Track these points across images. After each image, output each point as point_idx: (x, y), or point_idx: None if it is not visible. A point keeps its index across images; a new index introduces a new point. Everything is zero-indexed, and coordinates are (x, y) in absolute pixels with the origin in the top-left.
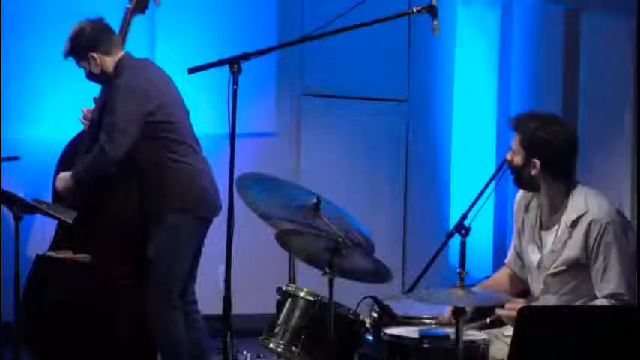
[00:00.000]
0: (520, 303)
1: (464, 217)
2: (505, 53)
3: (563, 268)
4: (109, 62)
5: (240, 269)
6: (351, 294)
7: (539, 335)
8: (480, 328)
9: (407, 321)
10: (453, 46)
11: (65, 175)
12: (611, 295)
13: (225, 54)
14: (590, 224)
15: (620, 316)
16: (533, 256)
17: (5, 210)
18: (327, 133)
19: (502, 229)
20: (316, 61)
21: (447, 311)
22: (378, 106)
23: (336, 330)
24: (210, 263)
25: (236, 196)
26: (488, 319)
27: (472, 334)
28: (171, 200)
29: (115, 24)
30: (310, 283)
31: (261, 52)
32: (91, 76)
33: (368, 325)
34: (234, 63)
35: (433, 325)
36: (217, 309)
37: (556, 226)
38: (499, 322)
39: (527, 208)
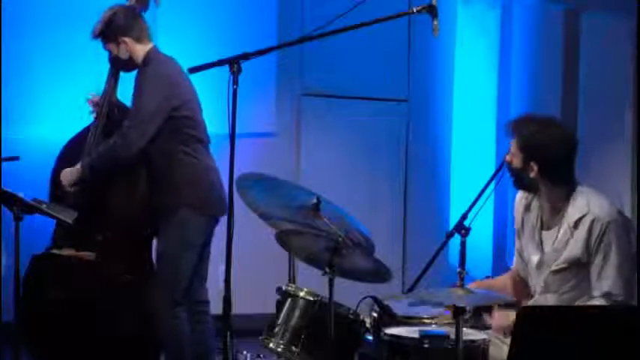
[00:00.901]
0: (507, 315)
1: (464, 217)
2: (505, 53)
3: (564, 266)
4: (139, 50)
5: (240, 269)
6: (351, 294)
7: (539, 335)
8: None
9: (407, 321)
10: (453, 46)
11: (71, 169)
12: (606, 294)
13: (225, 54)
14: (592, 223)
15: (619, 316)
16: (533, 256)
17: (5, 210)
18: (327, 133)
19: (502, 229)
20: (316, 61)
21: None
22: (378, 106)
23: (336, 330)
24: (210, 263)
25: (236, 196)
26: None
27: (472, 333)
28: (182, 196)
29: None
30: (310, 283)
31: (261, 52)
32: (115, 60)
33: (368, 325)
34: (234, 63)
35: (433, 325)
36: (217, 309)
37: (557, 227)
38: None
39: (528, 208)
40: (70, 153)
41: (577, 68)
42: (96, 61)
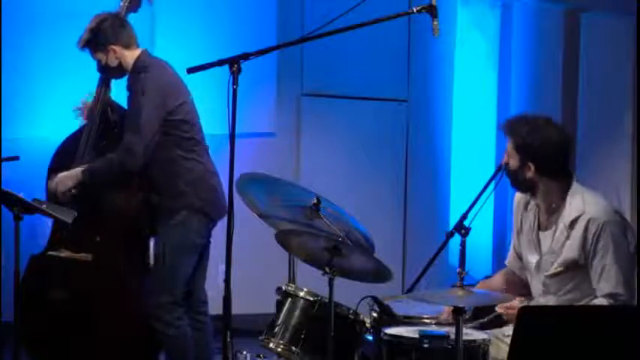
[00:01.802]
0: (517, 303)
1: (464, 217)
2: (505, 53)
3: (561, 269)
4: (128, 56)
5: (240, 269)
6: (351, 294)
7: (539, 335)
8: (482, 328)
9: (407, 321)
10: (453, 46)
11: (68, 175)
12: (609, 295)
13: (225, 54)
14: (587, 223)
15: (620, 316)
16: (532, 257)
17: (5, 210)
18: (327, 133)
19: (502, 229)
20: (316, 61)
21: (444, 310)
22: (378, 106)
23: (336, 330)
24: (210, 263)
25: (236, 196)
26: (485, 318)
27: (472, 334)
28: (184, 198)
29: None
30: (310, 283)
31: (261, 52)
32: (104, 69)
33: (368, 325)
34: (234, 63)
35: (433, 325)
36: (217, 309)
37: (554, 227)
38: (497, 322)
39: (526, 207)
40: (61, 158)
41: (577, 68)
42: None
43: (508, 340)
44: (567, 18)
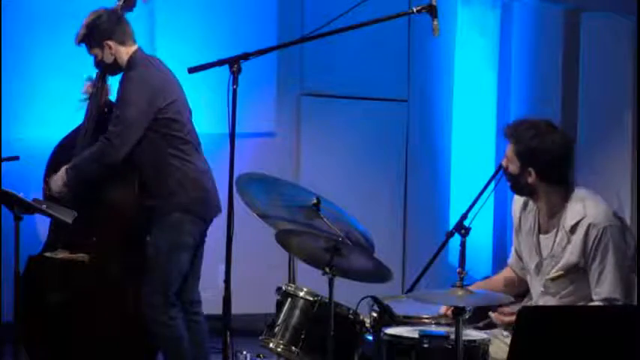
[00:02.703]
0: (508, 309)
1: (464, 217)
2: (505, 53)
3: (562, 272)
4: (123, 53)
5: (240, 269)
6: (351, 294)
7: (539, 335)
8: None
9: (407, 321)
10: (453, 46)
11: (57, 175)
12: (606, 300)
13: (225, 54)
14: (588, 228)
15: (620, 316)
16: (531, 259)
17: (5, 210)
18: (327, 133)
19: (502, 229)
20: (316, 61)
21: (441, 308)
22: (378, 106)
23: (336, 330)
24: (210, 263)
25: (236, 196)
26: (481, 323)
27: (472, 334)
28: (174, 198)
29: None
30: (310, 283)
31: (261, 52)
32: (100, 64)
33: (368, 325)
34: (234, 63)
35: (433, 325)
36: (217, 309)
37: (554, 230)
38: (492, 326)
39: (525, 208)
40: (59, 158)
41: (577, 68)
42: None
43: (508, 340)
44: (567, 18)
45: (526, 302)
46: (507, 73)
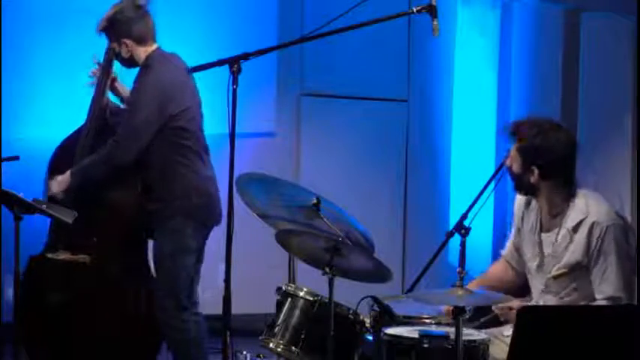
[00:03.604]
0: (515, 304)
1: (464, 217)
2: (505, 53)
3: (564, 271)
4: (141, 52)
5: (240, 269)
6: (351, 294)
7: (539, 335)
8: (478, 328)
9: (407, 321)
10: (452, 46)
11: (62, 176)
12: (609, 299)
13: (225, 54)
14: (591, 227)
15: (620, 316)
16: (533, 257)
17: (5, 210)
18: (327, 133)
19: (502, 229)
20: (316, 61)
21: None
22: (378, 106)
23: (336, 330)
24: (210, 263)
25: (236, 196)
26: (482, 319)
27: (472, 333)
28: (177, 203)
29: None
30: (310, 283)
31: (261, 52)
32: (117, 56)
33: (368, 325)
34: (234, 63)
35: (433, 325)
36: (217, 309)
37: (556, 229)
38: (495, 323)
39: (527, 206)
40: (61, 157)
41: (577, 68)
42: (96, 62)
43: (508, 340)
44: (567, 18)
45: (527, 301)
46: (507, 73)
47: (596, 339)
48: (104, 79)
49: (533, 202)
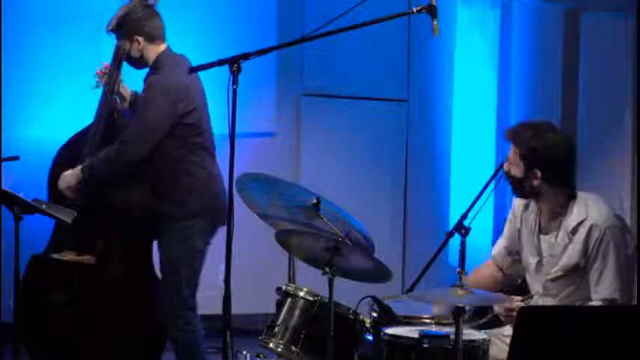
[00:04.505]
0: (516, 305)
1: (464, 217)
2: (505, 53)
3: (561, 273)
4: (151, 51)
5: (240, 269)
6: (351, 294)
7: (539, 335)
8: (477, 328)
9: (407, 321)
10: (452, 46)
11: (71, 172)
12: (605, 301)
13: (225, 54)
14: (590, 229)
15: (619, 316)
16: (532, 258)
17: (5, 210)
18: (327, 133)
19: (502, 229)
20: (316, 61)
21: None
22: (378, 106)
23: (336, 330)
24: (210, 263)
25: (236, 195)
26: (482, 320)
27: (472, 333)
28: (185, 204)
29: None
30: (310, 283)
31: (261, 52)
32: (126, 57)
33: (368, 325)
34: (234, 63)
35: (433, 325)
36: (217, 309)
37: (555, 232)
38: (496, 322)
39: (526, 208)
40: (67, 154)
41: (577, 68)
42: (96, 61)
43: (508, 340)
44: (567, 18)
45: (528, 301)
46: (507, 73)
47: (596, 339)
48: (113, 78)
49: (532, 204)
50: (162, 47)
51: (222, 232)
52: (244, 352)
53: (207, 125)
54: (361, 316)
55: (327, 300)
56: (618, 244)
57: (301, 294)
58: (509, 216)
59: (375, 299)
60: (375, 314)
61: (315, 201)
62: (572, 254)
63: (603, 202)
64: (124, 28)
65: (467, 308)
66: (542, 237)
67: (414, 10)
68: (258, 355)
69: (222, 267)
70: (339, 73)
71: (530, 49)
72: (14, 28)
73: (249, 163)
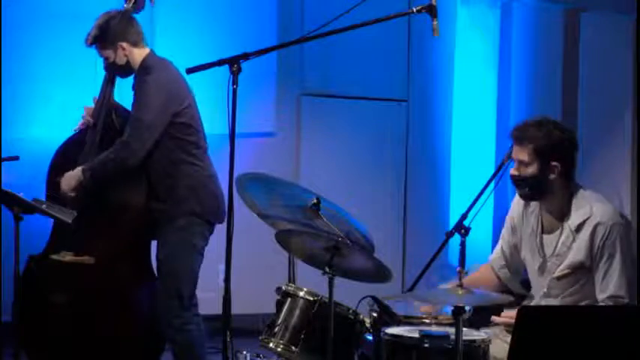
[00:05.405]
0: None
1: (464, 217)
2: (505, 53)
3: (568, 271)
4: (137, 54)
5: (240, 269)
6: (351, 294)
7: (539, 335)
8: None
9: (407, 321)
10: (452, 46)
11: (71, 173)
12: (611, 297)
13: (225, 54)
14: (595, 227)
15: (620, 316)
16: (534, 259)
17: (5, 210)
18: (327, 133)
19: (502, 229)
20: (316, 61)
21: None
22: (378, 106)
23: (336, 330)
24: (210, 263)
25: (236, 195)
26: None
27: (472, 333)
28: (183, 203)
29: None
30: (310, 283)
31: (261, 52)
32: (112, 66)
33: (368, 325)
34: (234, 63)
35: (433, 325)
36: (217, 309)
37: (559, 230)
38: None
39: (526, 208)
40: (65, 155)
41: (577, 68)
42: (95, 62)
43: (508, 340)
44: (567, 17)
45: (527, 303)
46: (507, 73)
47: (596, 339)
48: (109, 85)
49: (532, 205)
50: (147, 50)
51: (222, 232)
52: (244, 352)
53: (200, 124)
54: (361, 316)
55: (327, 300)
56: (624, 241)
57: (301, 294)
58: (508, 219)
59: (375, 299)
60: (375, 314)
61: (315, 201)
62: (577, 252)
63: (607, 200)
64: (106, 36)
65: (467, 308)
66: (544, 236)
67: (414, 10)
68: (258, 355)
69: (222, 267)
70: (339, 73)
71: (530, 49)
72: (14, 28)
73: (248, 163)
